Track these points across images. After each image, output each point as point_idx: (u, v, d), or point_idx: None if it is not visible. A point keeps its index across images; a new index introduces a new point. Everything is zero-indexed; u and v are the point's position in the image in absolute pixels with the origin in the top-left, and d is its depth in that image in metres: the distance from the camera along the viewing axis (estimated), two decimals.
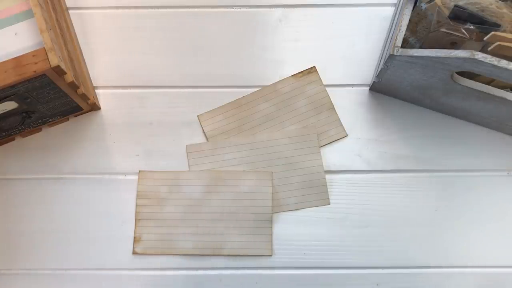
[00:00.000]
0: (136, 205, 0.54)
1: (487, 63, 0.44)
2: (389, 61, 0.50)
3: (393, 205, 0.55)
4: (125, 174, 0.56)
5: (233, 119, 0.58)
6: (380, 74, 0.54)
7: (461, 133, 0.57)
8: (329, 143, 0.57)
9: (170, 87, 0.59)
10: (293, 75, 0.60)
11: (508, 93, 0.49)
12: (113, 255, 0.53)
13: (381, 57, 0.57)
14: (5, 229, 0.54)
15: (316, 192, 0.55)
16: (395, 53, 0.48)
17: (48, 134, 0.57)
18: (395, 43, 0.49)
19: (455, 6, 0.48)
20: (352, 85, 0.59)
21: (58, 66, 0.45)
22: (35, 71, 0.44)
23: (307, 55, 0.61)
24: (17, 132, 0.55)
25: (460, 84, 0.50)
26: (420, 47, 0.52)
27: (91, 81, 0.59)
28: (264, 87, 0.59)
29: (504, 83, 0.49)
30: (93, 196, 0.55)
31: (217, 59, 0.61)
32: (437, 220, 0.54)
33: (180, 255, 0.53)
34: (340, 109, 0.58)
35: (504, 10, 0.48)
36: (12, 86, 0.45)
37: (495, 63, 0.44)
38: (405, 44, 0.53)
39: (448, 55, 0.46)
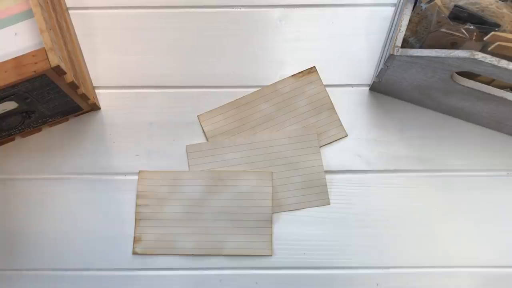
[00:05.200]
0: (136, 205, 0.54)
1: (487, 63, 0.44)
2: (389, 61, 0.50)
3: (393, 205, 0.55)
4: (125, 174, 0.56)
5: (233, 119, 0.58)
6: (380, 74, 0.54)
7: (461, 133, 0.57)
8: (329, 143, 0.57)
9: (170, 87, 0.59)
10: (293, 75, 0.60)
11: (508, 93, 0.49)
12: (113, 255, 0.53)
13: (381, 57, 0.57)
14: (5, 229, 0.54)
15: (316, 192, 0.55)
16: (395, 53, 0.49)
17: (48, 134, 0.57)
18: (395, 43, 0.49)
19: (455, 6, 0.48)
20: (352, 85, 0.59)
21: (58, 66, 0.45)
22: (35, 71, 0.44)
23: (307, 55, 0.61)
24: (17, 132, 0.55)
25: (460, 84, 0.50)
26: (420, 47, 0.52)
27: (91, 81, 0.59)
28: (264, 87, 0.59)
29: (504, 83, 0.49)
30: (93, 196, 0.55)
31: (217, 59, 0.61)
32: (437, 220, 0.54)
33: (180, 255, 0.53)
34: (340, 109, 0.58)
35: (504, 10, 0.48)
36: (12, 86, 0.45)
37: (495, 63, 0.44)
38: (405, 44, 0.53)
39: (448, 55, 0.46)
